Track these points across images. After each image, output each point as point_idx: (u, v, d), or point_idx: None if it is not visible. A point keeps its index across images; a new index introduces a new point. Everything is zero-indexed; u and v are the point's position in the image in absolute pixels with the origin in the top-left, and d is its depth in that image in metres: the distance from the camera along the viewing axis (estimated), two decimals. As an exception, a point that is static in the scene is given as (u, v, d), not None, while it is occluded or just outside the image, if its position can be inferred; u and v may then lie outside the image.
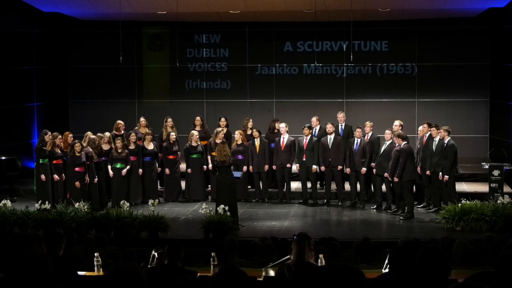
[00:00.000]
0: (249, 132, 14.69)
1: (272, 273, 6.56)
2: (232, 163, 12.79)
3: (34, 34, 16.68)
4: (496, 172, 13.24)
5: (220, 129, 14.39)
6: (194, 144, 14.30)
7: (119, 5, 14.46)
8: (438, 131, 13.03)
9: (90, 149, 13.57)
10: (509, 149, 15.02)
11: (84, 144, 13.60)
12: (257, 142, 14.31)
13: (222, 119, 14.93)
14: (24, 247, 5.40)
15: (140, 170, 14.06)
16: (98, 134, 14.08)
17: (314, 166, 13.92)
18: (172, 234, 11.65)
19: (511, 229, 11.71)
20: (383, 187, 13.57)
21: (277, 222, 12.73)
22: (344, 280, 3.83)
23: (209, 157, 14.28)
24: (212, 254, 6.94)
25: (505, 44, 16.03)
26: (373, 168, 13.62)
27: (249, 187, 14.55)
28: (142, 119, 15.09)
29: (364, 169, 13.64)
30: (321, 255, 6.58)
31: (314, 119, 14.67)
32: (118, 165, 13.84)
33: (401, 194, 13.02)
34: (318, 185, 14.40)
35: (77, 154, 13.26)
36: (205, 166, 14.38)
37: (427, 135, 13.32)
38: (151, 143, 14.30)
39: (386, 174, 13.11)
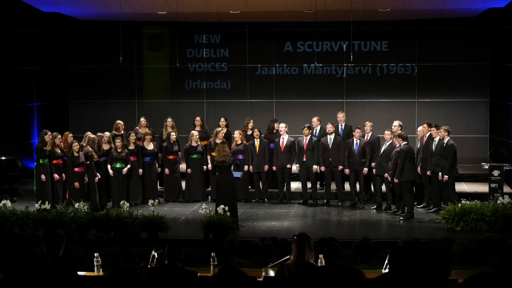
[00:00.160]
0: (249, 132, 14.69)
1: (272, 273, 6.56)
2: (232, 163, 12.79)
3: (34, 34, 16.68)
4: (496, 172, 13.24)
5: (220, 129, 14.39)
6: (194, 144, 14.30)
7: (119, 5, 14.46)
8: (438, 131, 13.03)
9: (90, 149, 13.57)
10: (509, 149, 15.02)
11: (84, 144, 13.60)
12: (257, 142, 14.31)
13: (222, 119, 14.93)
14: (24, 247, 5.40)
15: (140, 170, 14.06)
16: (98, 133, 14.08)
17: (315, 166, 13.92)
18: (172, 234, 11.65)
19: (511, 229, 11.71)
20: (383, 187, 13.57)
21: (277, 222, 12.73)
22: (344, 280, 3.83)
23: (209, 157, 14.28)
24: (212, 254, 6.94)
25: (505, 44, 16.04)
26: (373, 168, 13.62)
27: (249, 187, 14.55)
28: (142, 119, 15.09)
29: (366, 169, 13.64)
30: (321, 255, 6.58)
31: (315, 119, 14.67)
32: (118, 165, 13.84)
33: (401, 194, 13.02)
34: (318, 185, 14.40)
35: (76, 154, 13.26)
36: (205, 167, 14.38)
37: (427, 135, 13.32)
38: (151, 143, 14.31)
39: (386, 175, 13.11)
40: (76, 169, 13.28)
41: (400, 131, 13.18)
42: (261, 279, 6.25)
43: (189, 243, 10.56)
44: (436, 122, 13.46)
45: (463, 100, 17.31)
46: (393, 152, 12.89)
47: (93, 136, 13.85)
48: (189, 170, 14.36)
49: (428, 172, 13.10)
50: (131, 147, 14.04)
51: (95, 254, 6.92)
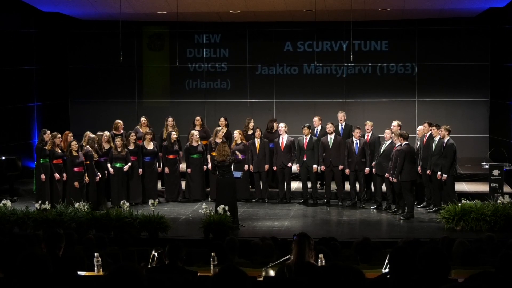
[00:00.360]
0: (250, 132, 14.69)
1: (272, 273, 6.56)
2: (233, 162, 12.79)
3: (34, 34, 16.68)
4: (496, 172, 13.24)
5: (220, 128, 14.40)
6: (194, 144, 14.30)
7: (119, 5, 14.46)
8: (439, 130, 13.03)
9: (90, 148, 13.56)
10: (509, 149, 15.01)
11: (84, 144, 13.60)
12: (257, 142, 14.31)
13: (222, 118, 14.93)
14: (24, 247, 5.40)
15: (140, 170, 14.06)
16: (98, 133, 14.07)
17: (315, 166, 13.92)
18: (172, 234, 11.65)
19: (511, 229, 11.71)
20: (384, 187, 13.57)
21: (277, 222, 12.73)
22: (344, 280, 3.83)
23: (209, 156, 14.28)
24: (212, 254, 6.94)
25: (505, 44, 16.03)
26: (373, 168, 13.61)
27: (249, 187, 14.55)
28: (143, 118, 15.10)
29: (367, 169, 13.63)
30: (321, 255, 6.58)
31: (316, 118, 14.67)
32: (118, 165, 13.84)
33: (401, 194, 13.02)
34: (318, 185, 14.40)
35: (75, 154, 13.25)
36: (205, 166, 14.38)
37: (428, 134, 13.32)
38: (151, 142, 14.31)
39: (386, 174, 13.11)
40: (75, 169, 13.27)
41: (402, 131, 13.17)
42: (261, 279, 6.25)
43: (189, 243, 10.54)
44: (436, 122, 13.45)
45: (463, 100, 17.31)
46: (393, 152, 12.89)
47: (93, 135, 13.85)
48: (189, 170, 14.36)
49: (428, 172, 13.10)
50: (131, 146, 14.04)
51: (95, 254, 6.92)
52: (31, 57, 16.59)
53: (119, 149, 13.81)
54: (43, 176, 13.28)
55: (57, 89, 17.65)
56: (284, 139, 14.18)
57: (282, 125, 14.32)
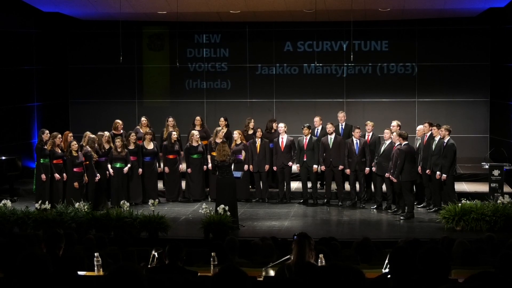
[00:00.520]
0: (250, 132, 14.69)
1: (272, 273, 6.56)
2: (233, 162, 12.79)
3: (34, 34, 16.67)
4: (496, 172, 13.24)
5: (220, 128, 14.40)
6: (194, 144, 14.30)
7: (119, 5, 14.46)
8: (439, 130, 13.03)
9: (89, 149, 13.55)
10: (509, 149, 15.01)
11: (84, 144, 13.60)
12: (258, 142, 14.31)
13: (222, 119, 14.94)
14: (24, 247, 5.40)
15: (140, 170, 14.06)
16: (99, 133, 14.06)
17: (315, 166, 13.92)
18: (172, 234, 11.65)
19: (511, 229, 11.71)
20: (384, 187, 13.57)
21: (277, 222, 12.73)
22: (344, 280, 3.82)
23: (209, 156, 14.28)
24: (212, 254, 6.94)
25: (505, 44, 16.03)
26: (373, 168, 13.60)
27: (250, 187, 14.55)
28: (143, 118, 15.10)
29: (367, 169, 13.63)
30: (321, 255, 6.58)
31: (317, 119, 14.67)
32: (118, 165, 13.84)
33: (401, 194, 13.02)
34: (318, 185, 14.40)
35: (74, 154, 13.25)
36: (205, 166, 14.38)
37: (428, 134, 13.32)
38: (151, 143, 14.30)
39: (387, 174, 13.11)
40: (75, 169, 13.26)
41: (401, 131, 13.17)
42: (261, 279, 6.24)
43: (189, 243, 10.54)
44: (436, 122, 13.45)
45: (463, 100, 17.31)
46: (394, 152, 12.89)
47: (93, 136, 13.84)
48: (189, 170, 14.36)
49: (428, 171, 13.10)
50: (131, 147, 14.04)
51: (95, 254, 6.91)
52: (31, 57, 16.59)
53: (119, 150, 13.81)
54: (43, 176, 13.28)
55: (57, 89, 17.65)
56: (284, 139, 14.18)
57: (281, 125, 14.32)
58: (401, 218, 12.90)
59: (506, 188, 13.69)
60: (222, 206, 11.83)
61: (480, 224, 11.79)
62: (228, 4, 15.40)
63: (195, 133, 14.40)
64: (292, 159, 14.14)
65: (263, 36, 17.79)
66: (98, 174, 13.57)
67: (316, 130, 14.56)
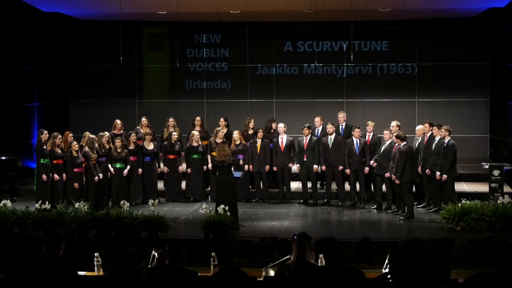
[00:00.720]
0: (250, 132, 14.69)
1: (272, 273, 6.56)
2: (232, 162, 12.79)
3: (34, 34, 16.67)
4: (496, 172, 13.24)
5: (220, 128, 14.40)
6: (194, 144, 14.30)
7: (119, 5, 14.46)
8: (440, 130, 13.03)
9: (87, 149, 13.52)
10: (509, 149, 15.01)
11: (84, 144, 13.59)
12: (259, 142, 14.31)
13: (222, 119, 14.94)
14: (24, 247, 5.40)
15: (140, 170, 14.06)
16: (100, 133, 14.05)
17: (315, 166, 13.92)
18: (172, 234, 11.65)
19: (511, 229, 11.71)
20: (384, 187, 13.57)
21: (277, 222, 12.73)
22: (344, 280, 3.82)
23: (209, 156, 14.28)
24: (212, 254, 6.94)
25: (505, 44, 16.03)
26: (373, 168, 13.60)
27: (250, 187, 14.55)
28: (143, 119, 15.10)
29: (367, 169, 13.63)
30: (321, 255, 6.58)
31: (317, 119, 14.67)
32: (118, 165, 13.84)
33: (401, 194, 13.02)
34: (318, 185, 14.40)
35: (75, 154, 13.24)
36: (205, 166, 14.38)
37: (429, 134, 13.32)
38: (151, 143, 14.30)
39: (386, 174, 13.12)
40: (75, 170, 13.26)
41: (398, 132, 13.17)
42: (261, 279, 6.25)
43: (189, 243, 10.54)
44: (436, 122, 13.45)
45: (463, 100, 17.31)
46: (395, 152, 12.88)
47: (92, 136, 13.83)
48: (189, 170, 14.36)
49: (427, 171, 13.10)
50: (131, 147, 14.04)
51: (95, 254, 6.91)
52: (31, 57, 16.59)
53: (119, 150, 13.81)
54: (44, 176, 13.27)
55: (57, 89, 17.65)
56: (283, 139, 14.18)
57: (281, 125, 14.32)
58: (401, 218, 12.90)
59: (506, 188, 13.70)
60: (222, 206, 11.83)
61: (480, 224, 11.79)
62: (228, 4, 15.40)
63: (195, 133, 14.41)
64: (292, 159, 14.14)
65: (263, 36, 17.79)
66: (101, 174, 13.57)
67: (316, 130, 14.56)
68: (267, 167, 14.26)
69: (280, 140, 14.18)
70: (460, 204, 12.00)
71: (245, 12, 15.91)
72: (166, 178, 14.47)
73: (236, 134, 14.31)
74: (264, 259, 7.33)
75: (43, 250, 5.86)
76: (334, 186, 14.11)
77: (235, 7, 15.62)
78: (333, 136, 13.90)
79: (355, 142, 13.71)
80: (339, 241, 9.07)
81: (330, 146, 13.84)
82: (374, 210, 13.59)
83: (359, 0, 14.60)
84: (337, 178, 13.96)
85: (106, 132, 14.17)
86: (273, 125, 14.78)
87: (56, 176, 13.35)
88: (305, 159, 13.95)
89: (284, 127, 14.28)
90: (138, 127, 15.12)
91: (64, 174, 13.45)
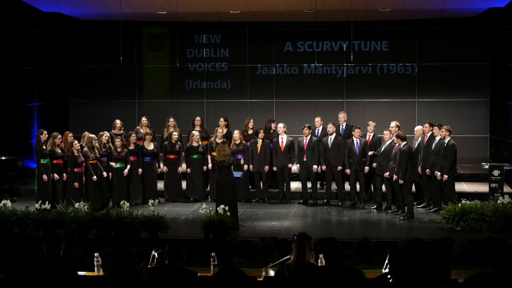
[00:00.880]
0: (250, 132, 14.69)
1: (272, 273, 6.56)
2: (232, 162, 12.79)
3: (34, 34, 16.67)
4: (496, 172, 13.24)
5: (219, 129, 14.40)
6: (195, 144, 14.30)
7: (119, 5, 14.46)
8: (440, 130, 13.03)
9: (86, 149, 13.52)
10: (509, 149, 15.01)
11: (83, 144, 13.59)
12: (259, 142, 14.30)
13: (222, 119, 14.94)
14: (24, 247, 5.40)
15: (140, 170, 14.06)
16: (101, 133, 14.04)
17: (315, 166, 13.92)
18: (172, 234, 11.65)
19: (511, 229, 11.71)
20: (383, 187, 13.57)
21: (277, 222, 12.73)
22: (344, 280, 3.82)
23: (209, 156, 14.28)
24: (212, 254, 6.94)
25: (505, 44, 16.03)
26: (374, 168, 13.60)
27: (249, 187, 14.54)
28: (144, 118, 15.10)
29: (367, 168, 13.63)
30: (321, 255, 6.58)
31: (318, 119, 14.68)
32: (118, 165, 13.84)
33: (401, 194, 13.02)
34: (318, 185, 14.40)
35: (76, 154, 13.24)
36: (205, 167, 14.38)
37: (429, 134, 13.32)
38: (151, 143, 14.30)
39: (386, 174, 13.12)
40: (76, 170, 13.25)
41: (399, 131, 13.17)
42: (261, 279, 6.25)
43: (189, 243, 10.54)
44: (436, 122, 13.45)
45: (463, 100, 17.31)
46: (395, 152, 12.87)
47: (92, 135, 13.82)
48: (188, 170, 14.36)
49: (427, 171, 13.09)
50: (131, 147, 14.04)
51: (95, 254, 6.92)
52: (31, 57, 16.59)
53: (119, 150, 13.81)
54: (45, 177, 13.26)
55: (57, 89, 17.65)
56: (283, 139, 14.18)
57: (281, 125, 14.32)
58: (401, 218, 12.90)
59: (506, 188, 13.70)
60: (222, 206, 11.83)
61: (480, 224, 11.79)
62: (228, 4, 15.40)
63: (196, 133, 14.41)
64: (291, 160, 14.14)
65: (263, 36, 17.79)
66: (104, 173, 13.57)
67: (316, 130, 14.56)
68: (267, 168, 14.25)
69: (280, 140, 14.18)
70: (460, 204, 12.00)
71: (245, 12, 15.91)
72: (166, 178, 14.47)
73: (236, 134, 14.32)
74: (264, 259, 7.33)
75: (43, 250, 5.86)
76: (334, 186, 14.11)
77: (235, 7, 15.62)
78: (333, 136, 13.90)
79: (355, 142, 13.72)
80: (339, 241, 9.07)
81: (330, 146, 13.84)
82: (374, 210, 13.59)
83: (359, 0, 14.60)
84: (336, 178, 13.96)
85: (106, 132, 14.16)
86: (273, 125, 14.78)
87: (56, 176, 13.34)
88: (304, 159, 13.95)
89: (284, 127, 14.28)
90: (138, 127, 15.12)
91: (64, 174, 13.44)
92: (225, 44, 17.92)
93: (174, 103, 17.95)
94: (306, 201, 14.11)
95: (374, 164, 13.56)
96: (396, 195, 13.18)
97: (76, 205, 12.20)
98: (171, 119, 14.89)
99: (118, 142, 13.83)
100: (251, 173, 14.40)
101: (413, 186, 13.42)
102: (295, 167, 14.23)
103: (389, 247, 8.22)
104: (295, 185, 14.74)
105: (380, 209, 13.59)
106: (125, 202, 12.33)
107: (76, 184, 13.18)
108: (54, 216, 11.98)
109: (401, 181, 12.80)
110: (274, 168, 14.28)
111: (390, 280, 4.97)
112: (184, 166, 14.56)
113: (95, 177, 13.42)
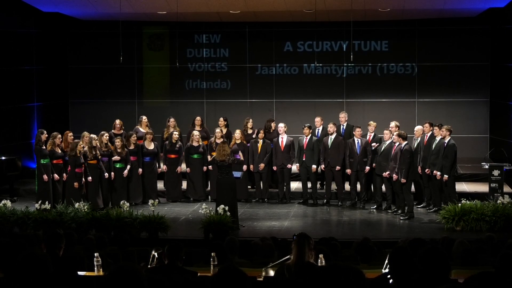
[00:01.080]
0: (249, 132, 14.70)
1: (272, 273, 6.56)
2: (232, 162, 12.79)
3: (34, 34, 16.67)
4: (496, 172, 13.24)
5: (219, 129, 14.40)
6: (195, 144, 14.30)
7: (119, 5, 14.46)
8: (440, 130, 13.03)
9: (86, 149, 13.51)
10: (509, 149, 15.01)
11: (84, 144, 13.59)
12: (260, 142, 14.30)
13: (221, 119, 14.95)
14: (24, 247, 5.40)
15: (140, 170, 14.06)
16: (101, 133, 14.02)
17: (314, 166, 13.92)
18: (172, 234, 11.65)
19: (511, 229, 11.71)
20: (383, 187, 13.57)
21: (277, 222, 12.73)
22: (344, 280, 3.82)
23: (209, 156, 14.27)
24: (212, 254, 6.94)
25: (505, 44, 16.03)
26: (374, 168, 13.60)
27: (249, 187, 14.55)
28: (144, 117, 15.09)
29: (367, 168, 13.63)
30: (321, 255, 6.58)
31: (318, 119, 14.67)
32: (118, 165, 13.84)
33: (401, 194, 13.02)
34: (318, 185, 14.40)
35: (78, 155, 13.23)
36: (205, 167, 14.38)
37: (429, 134, 13.32)
38: (152, 143, 14.30)
39: (385, 174, 13.12)
40: (76, 170, 13.25)
41: (400, 131, 13.16)
42: (261, 279, 6.25)
43: (189, 243, 10.55)
44: (436, 122, 13.45)
45: (463, 100, 17.31)
46: (395, 152, 12.86)
47: (93, 135, 13.81)
48: (188, 170, 14.36)
49: (427, 171, 13.09)
50: (131, 147, 14.04)
51: (95, 254, 6.92)
52: (31, 57, 16.59)
53: (119, 150, 13.81)
54: (45, 177, 13.26)
55: (57, 89, 17.65)
56: (283, 139, 14.18)
57: (281, 125, 14.32)
58: (401, 218, 12.90)
59: (506, 188, 13.70)
60: (222, 206, 11.83)
61: (480, 224, 11.79)
62: (228, 4, 15.40)
63: (196, 133, 14.41)
64: (291, 160, 14.14)
65: (263, 36, 17.79)
66: (106, 174, 13.57)
67: (317, 130, 14.56)
68: (262, 165, 14.19)
69: (280, 140, 14.18)
70: (460, 204, 12.00)
71: (245, 12, 15.91)
72: (166, 178, 14.47)
73: (237, 133, 14.33)
74: (264, 259, 7.33)
75: (43, 250, 5.86)
76: (334, 186, 14.11)
77: (235, 7, 15.62)
78: (333, 136, 13.89)
79: (356, 142, 13.72)
80: (339, 241, 9.07)
81: (330, 146, 13.84)
82: (374, 210, 13.59)
83: (359, 0, 14.60)
84: (336, 178, 13.96)
85: (106, 132, 14.16)
86: (272, 125, 14.78)
87: (56, 176, 13.34)
88: (304, 159, 13.95)
89: (285, 127, 14.28)
90: (138, 126, 15.11)
91: (64, 174, 13.44)
92: (225, 44, 17.92)
93: (174, 103, 17.95)
94: (306, 201, 14.12)
95: (374, 165, 13.55)
96: (397, 195, 13.17)
97: (76, 205, 12.20)
98: (172, 120, 14.89)
99: (118, 142, 13.83)
100: (251, 173, 14.40)
101: (413, 186, 13.43)
102: (294, 167, 14.23)
103: (389, 247, 8.22)
104: (295, 185, 14.75)
105: (380, 209, 13.59)
106: (125, 202, 12.33)
107: (75, 184, 13.18)
108: (54, 216, 11.99)
109: (403, 180, 12.80)
110: (274, 168, 14.27)
111: (390, 280, 4.97)
112: (183, 165, 14.55)
113: (90, 177, 13.39)
